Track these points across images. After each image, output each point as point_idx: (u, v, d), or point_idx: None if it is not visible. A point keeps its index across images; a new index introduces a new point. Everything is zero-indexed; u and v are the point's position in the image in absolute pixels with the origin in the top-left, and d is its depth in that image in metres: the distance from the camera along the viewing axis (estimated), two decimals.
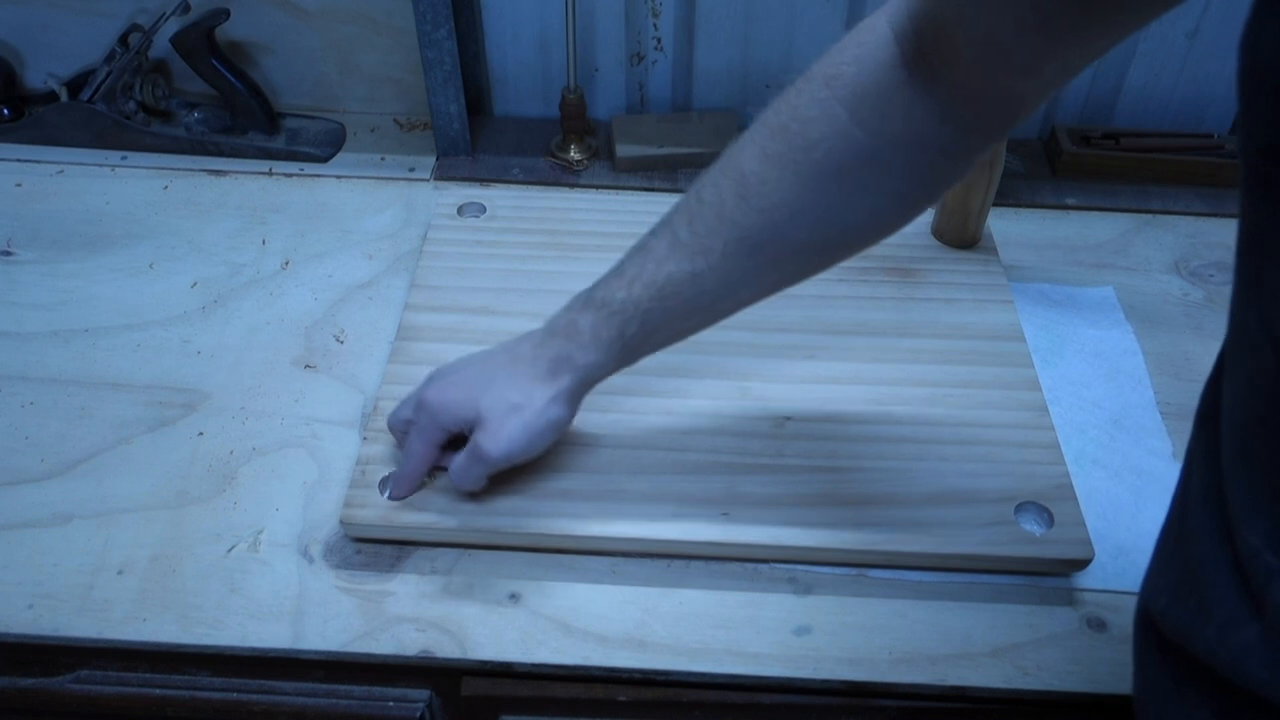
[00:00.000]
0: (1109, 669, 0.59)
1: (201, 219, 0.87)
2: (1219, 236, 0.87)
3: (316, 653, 0.59)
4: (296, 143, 0.93)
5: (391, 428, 0.64)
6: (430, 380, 0.63)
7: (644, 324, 0.57)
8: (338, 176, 0.92)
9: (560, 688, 0.62)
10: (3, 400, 0.72)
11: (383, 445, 0.66)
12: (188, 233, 0.85)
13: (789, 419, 0.69)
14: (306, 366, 0.75)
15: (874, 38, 0.49)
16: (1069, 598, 0.62)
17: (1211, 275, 0.83)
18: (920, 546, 0.62)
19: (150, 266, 0.82)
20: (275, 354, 0.75)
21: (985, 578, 0.63)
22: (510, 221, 0.84)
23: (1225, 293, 0.82)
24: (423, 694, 0.64)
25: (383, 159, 0.94)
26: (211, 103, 0.94)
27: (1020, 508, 0.64)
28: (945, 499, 0.64)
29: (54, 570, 0.62)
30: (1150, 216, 0.89)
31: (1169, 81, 0.93)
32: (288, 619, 0.60)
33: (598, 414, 0.69)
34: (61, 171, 0.91)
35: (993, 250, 0.82)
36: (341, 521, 0.63)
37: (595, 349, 0.58)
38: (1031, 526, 0.63)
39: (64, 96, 0.91)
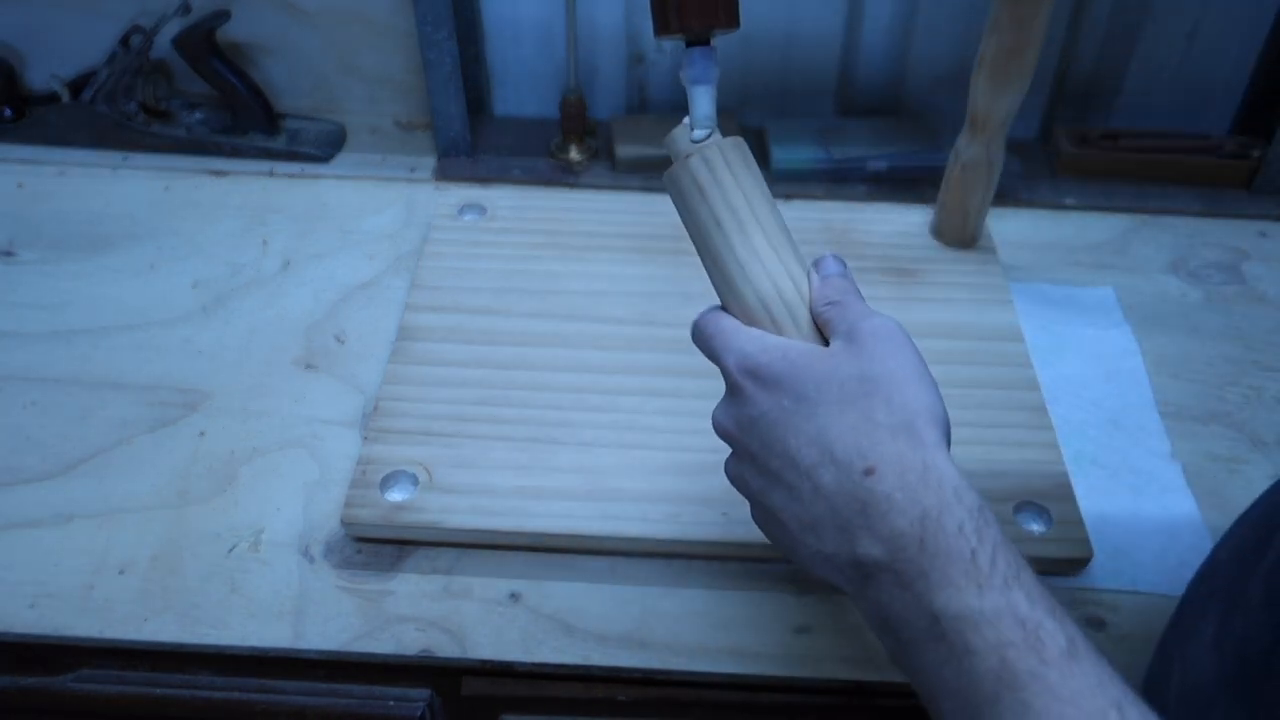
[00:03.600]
0: None
1: (202, 219, 0.87)
2: (1217, 237, 0.87)
3: (317, 652, 0.59)
4: (297, 143, 0.93)
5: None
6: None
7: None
8: (338, 177, 0.92)
9: (560, 687, 0.62)
10: (4, 400, 0.72)
11: (383, 445, 0.66)
12: (188, 233, 0.85)
13: None
14: (307, 366, 0.75)
15: None
16: (1068, 597, 0.62)
17: (1210, 275, 0.84)
18: None
19: (151, 267, 0.82)
20: (276, 354, 0.76)
21: None
22: (510, 222, 0.84)
23: (1223, 293, 0.82)
24: (423, 693, 0.64)
25: (383, 159, 0.94)
26: (212, 103, 0.94)
27: (1019, 507, 0.64)
28: None
29: (55, 570, 0.62)
30: (1149, 216, 0.89)
31: (1168, 82, 0.93)
32: (288, 618, 0.60)
33: (597, 414, 0.69)
34: (63, 172, 0.91)
35: (991, 250, 0.82)
36: (342, 521, 0.63)
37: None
38: (1030, 526, 0.63)
39: (65, 97, 0.91)
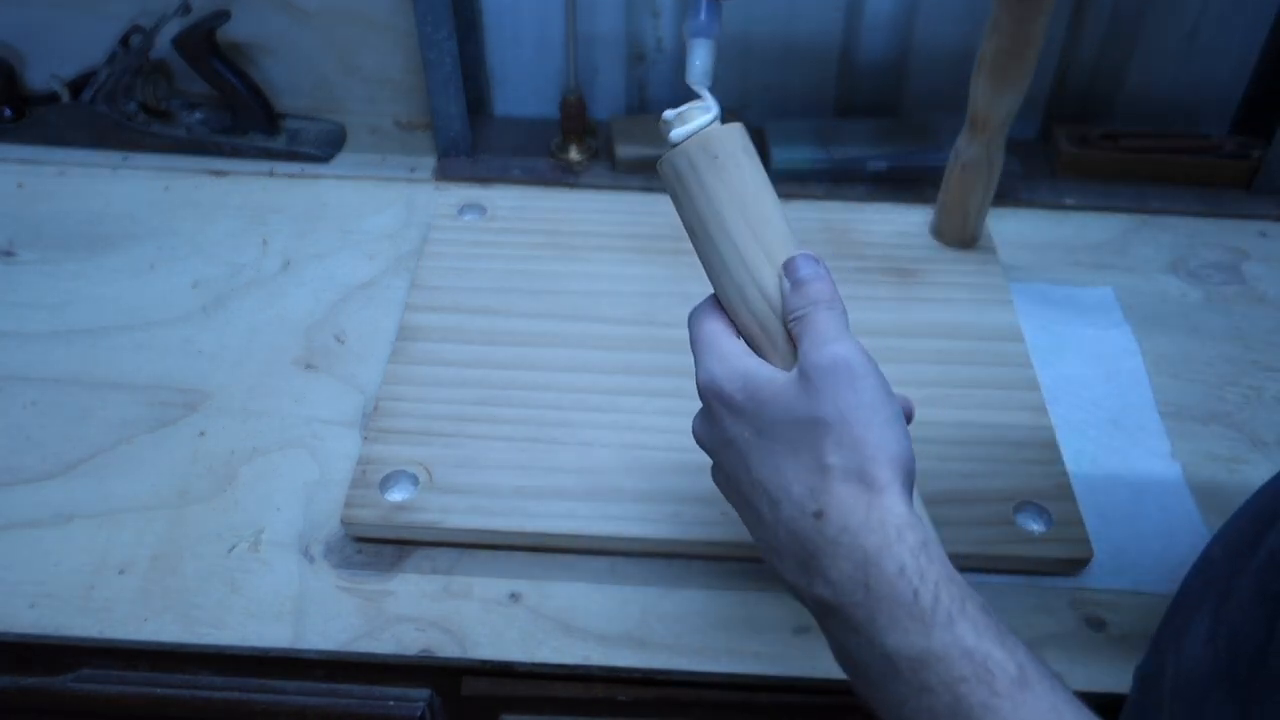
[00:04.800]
0: (1108, 668, 0.59)
1: (202, 219, 0.87)
2: (1217, 237, 0.87)
3: (317, 652, 0.59)
4: (297, 143, 0.93)
5: None
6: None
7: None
8: (338, 177, 0.92)
9: (560, 687, 0.62)
10: (4, 400, 0.72)
11: (383, 445, 0.66)
12: (188, 233, 0.85)
13: None
14: (307, 366, 0.75)
15: None
16: (1068, 597, 0.63)
17: (1210, 276, 0.84)
18: None
19: (151, 267, 0.82)
20: (276, 354, 0.76)
21: (984, 577, 0.63)
22: (510, 222, 0.84)
23: (1223, 293, 0.82)
24: (423, 693, 0.64)
25: (383, 159, 0.94)
26: (212, 103, 0.94)
27: (1019, 507, 0.64)
28: (944, 498, 0.64)
29: (55, 570, 0.62)
30: (1148, 217, 0.89)
31: (1167, 82, 0.93)
32: (288, 618, 0.60)
33: (598, 414, 0.69)
34: (63, 172, 0.91)
35: (991, 250, 0.83)
36: (343, 521, 0.63)
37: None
38: (1030, 526, 0.63)
39: (65, 97, 0.91)
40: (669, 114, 0.49)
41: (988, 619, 0.39)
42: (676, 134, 0.48)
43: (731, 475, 0.47)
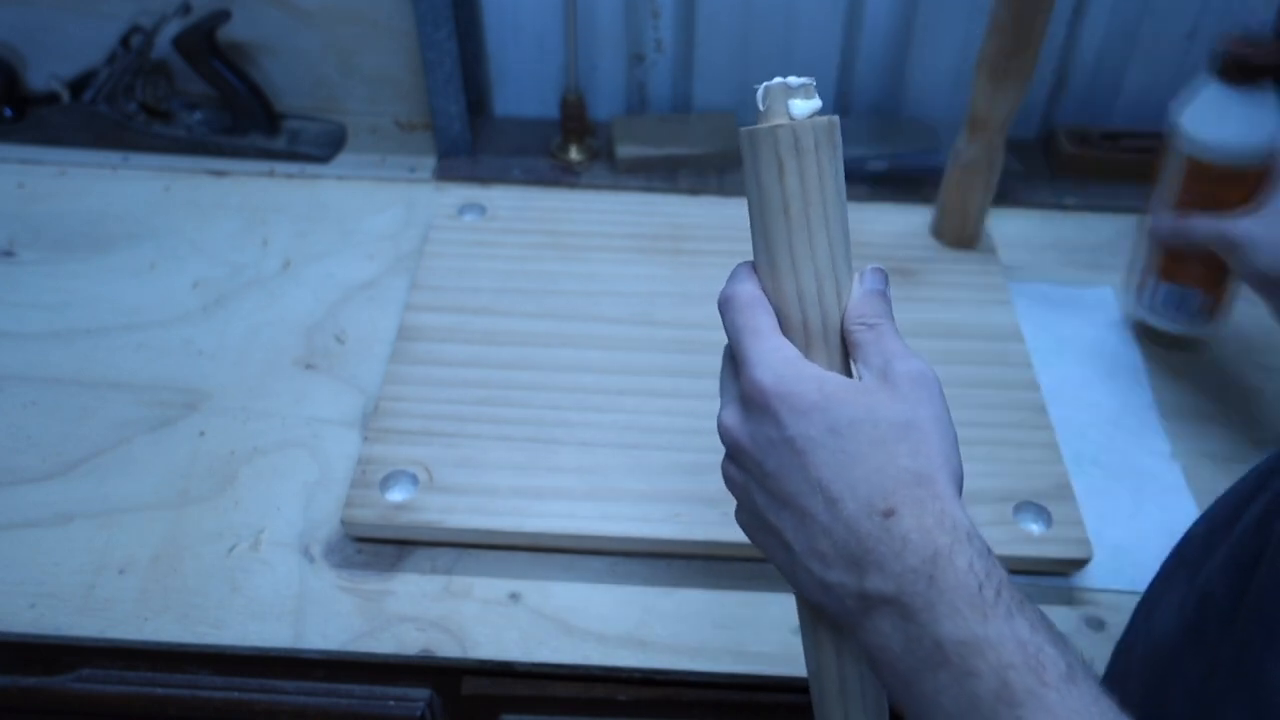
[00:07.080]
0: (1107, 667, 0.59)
1: (202, 219, 0.87)
2: None
3: (317, 652, 0.60)
4: (297, 143, 0.93)
5: None
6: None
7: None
8: (338, 177, 0.92)
9: (560, 687, 0.62)
10: (4, 400, 0.72)
11: (383, 445, 0.66)
12: (189, 233, 0.85)
13: None
14: (308, 366, 0.75)
15: None
16: (1068, 597, 0.63)
17: None
18: None
19: (151, 267, 0.82)
20: (276, 354, 0.76)
21: None
22: (510, 222, 0.84)
23: None
24: (423, 693, 0.64)
25: (383, 159, 0.94)
26: (212, 103, 0.94)
27: (1019, 507, 0.64)
28: None
29: (55, 570, 0.62)
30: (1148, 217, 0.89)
31: (1168, 82, 0.93)
32: (289, 618, 0.60)
33: (597, 414, 0.69)
34: (63, 172, 0.91)
35: (991, 250, 0.83)
36: (343, 521, 0.63)
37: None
38: (1030, 526, 0.63)
39: (66, 97, 0.91)
40: (794, 81, 0.45)
41: (1044, 621, 0.41)
42: (800, 109, 0.45)
43: (772, 475, 0.45)
